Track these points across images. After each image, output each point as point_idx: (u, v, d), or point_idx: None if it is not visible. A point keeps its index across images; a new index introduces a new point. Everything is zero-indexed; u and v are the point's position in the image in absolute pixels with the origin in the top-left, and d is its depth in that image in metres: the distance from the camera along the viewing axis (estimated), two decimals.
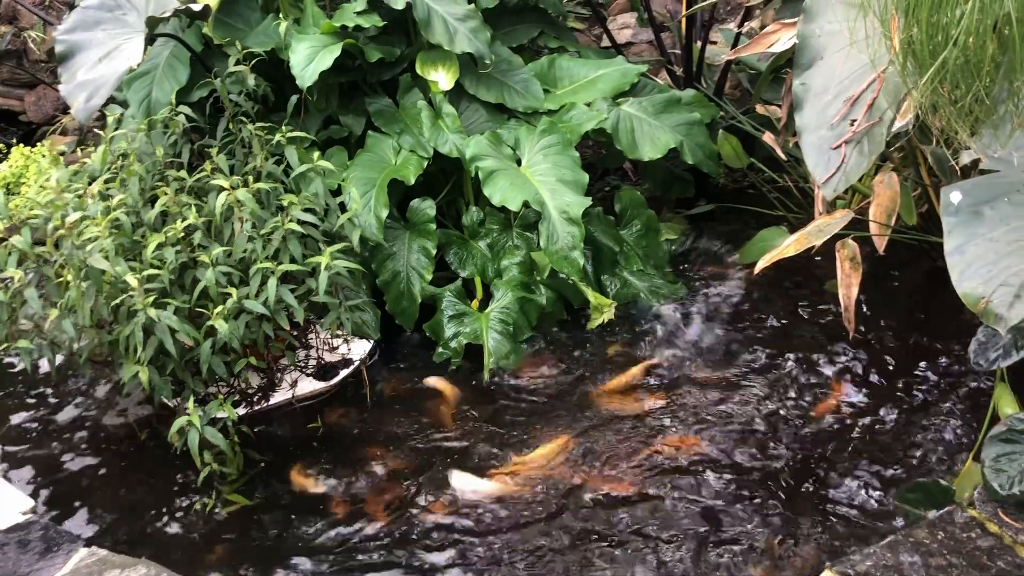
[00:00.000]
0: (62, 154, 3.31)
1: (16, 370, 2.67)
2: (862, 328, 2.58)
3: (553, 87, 3.01)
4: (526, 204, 2.62)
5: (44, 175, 2.54)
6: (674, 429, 2.31)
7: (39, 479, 2.28)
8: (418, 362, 2.62)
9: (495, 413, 2.42)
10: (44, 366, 2.57)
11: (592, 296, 2.73)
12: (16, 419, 2.49)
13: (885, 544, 1.80)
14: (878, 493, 2.08)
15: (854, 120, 1.80)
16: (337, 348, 2.58)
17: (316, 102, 2.79)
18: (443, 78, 2.80)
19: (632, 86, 2.98)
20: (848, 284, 2.27)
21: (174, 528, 2.12)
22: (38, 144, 3.56)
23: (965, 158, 1.67)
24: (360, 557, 2.01)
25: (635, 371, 2.51)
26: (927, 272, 2.81)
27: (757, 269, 2.36)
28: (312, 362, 2.54)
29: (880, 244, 2.32)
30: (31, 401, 2.56)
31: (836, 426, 2.29)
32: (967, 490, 1.93)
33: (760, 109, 3.03)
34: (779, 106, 2.90)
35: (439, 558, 1.99)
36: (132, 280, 2.03)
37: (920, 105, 1.50)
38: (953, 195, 1.57)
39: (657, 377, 2.51)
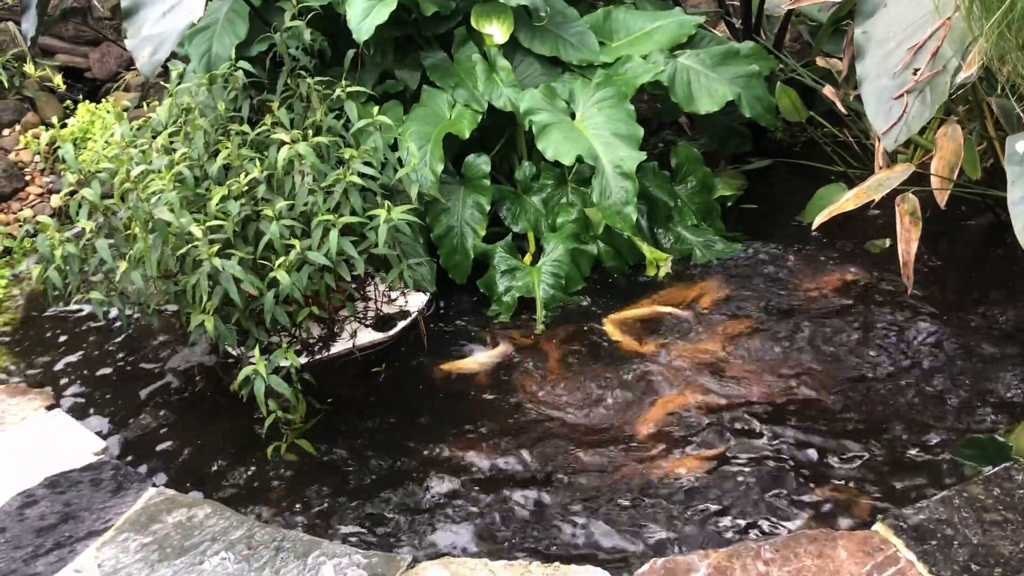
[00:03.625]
0: (126, 110, 3.39)
1: (81, 316, 2.77)
2: (921, 283, 2.55)
3: (608, 40, 2.98)
4: (580, 159, 2.62)
5: (109, 130, 2.61)
6: (731, 375, 2.32)
7: (108, 423, 2.38)
8: (471, 315, 2.66)
9: None
10: (113, 314, 2.69)
11: (648, 250, 2.73)
12: (86, 367, 2.59)
13: (938, 499, 1.80)
14: (933, 448, 2.07)
15: (917, 69, 1.76)
16: (395, 300, 2.63)
17: (372, 56, 2.81)
18: (498, 31, 2.80)
19: (689, 38, 2.94)
20: (907, 239, 2.24)
21: (238, 472, 2.20)
22: (103, 100, 3.65)
23: None
24: (429, 498, 2.08)
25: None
26: (989, 227, 2.75)
27: (815, 225, 2.34)
28: (371, 313, 2.59)
29: (941, 199, 2.28)
30: (100, 349, 2.66)
31: (891, 381, 2.27)
32: None
33: (820, 61, 2.97)
34: (840, 58, 2.85)
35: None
36: (196, 231, 2.09)
37: (987, 53, 1.46)
38: (1019, 144, 1.54)
39: (713, 325, 2.51)
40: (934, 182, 2.24)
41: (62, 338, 2.72)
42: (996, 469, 1.85)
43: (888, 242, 2.72)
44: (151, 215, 2.15)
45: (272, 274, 2.13)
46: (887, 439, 2.11)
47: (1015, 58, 1.41)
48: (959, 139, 2.21)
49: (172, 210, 2.14)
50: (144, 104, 2.84)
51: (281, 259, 2.14)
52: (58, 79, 3.85)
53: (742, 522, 1.94)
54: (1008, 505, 1.75)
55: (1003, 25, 1.35)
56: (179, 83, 2.55)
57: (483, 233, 2.69)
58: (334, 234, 2.18)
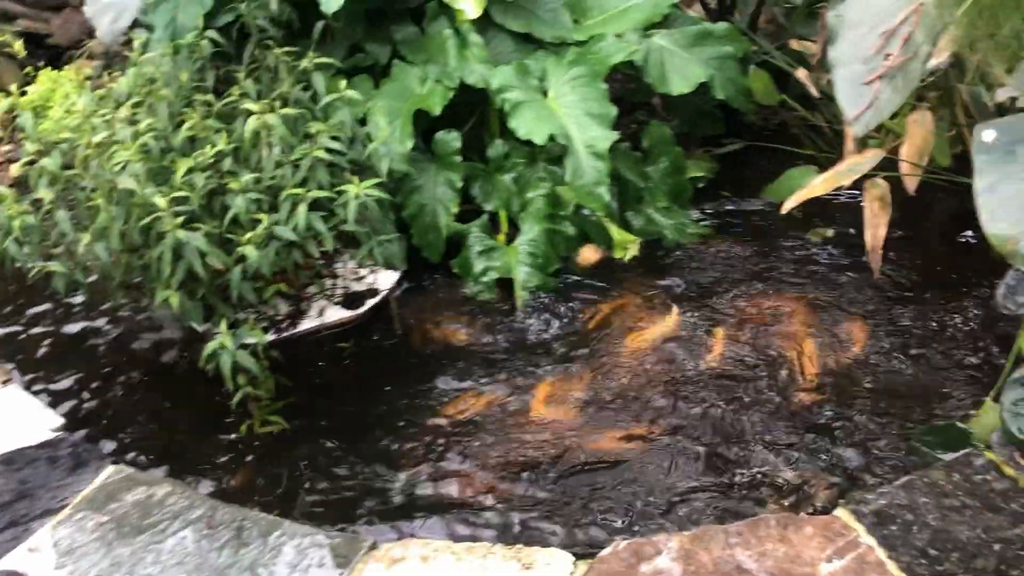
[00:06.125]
0: (88, 78, 3.31)
1: (39, 285, 2.71)
2: (887, 269, 2.56)
3: (582, 17, 2.95)
4: (552, 137, 2.60)
5: (70, 99, 2.55)
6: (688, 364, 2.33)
7: (68, 400, 2.33)
8: (443, 294, 2.64)
9: None
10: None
11: (616, 232, 2.72)
12: (46, 341, 2.54)
13: (899, 484, 1.82)
14: (895, 433, 2.09)
15: (889, 54, 1.76)
16: (364, 278, 2.60)
17: (341, 29, 2.76)
18: (470, 6, 2.76)
19: (664, 17, 2.92)
20: (875, 225, 2.25)
21: (201, 451, 2.17)
22: (64, 67, 3.56)
23: (1001, 95, 1.63)
24: (389, 479, 2.06)
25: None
26: (958, 214, 2.76)
27: (785, 208, 2.34)
28: (339, 291, 2.56)
29: (911, 185, 2.29)
30: (61, 323, 2.60)
31: (855, 366, 2.29)
32: (985, 433, 1.93)
33: (794, 44, 2.96)
34: (814, 41, 2.84)
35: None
36: (160, 201, 2.04)
37: (958, 40, 1.46)
38: (986, 133, 1.54)
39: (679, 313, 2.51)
40: (903, 168, 2.24)
41: (18, 308, 2.66)
42: (957, 455, 1.87)
43: (831, 231, 2.75)
44: (115, 185, 2.10)
45: (240, 249, 2.10)
46: (850, 423, 2.13)
47: (985, 47, 1.41)
48: (929, 125, 2.22)
49: (137, 180, 2.09)
50: (107, 73, 2.78)
51: (248, 234, 2.10)
52: (18, 45, 3.75)
53: (706, 504, 1.95)
54: (967, 491, 1.77)
55: (973, 13, 1.35)
56: (143, 52, 2.49)
57: (455, 211, 2.66)
58: (302, 209, 2.15)
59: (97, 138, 2.16)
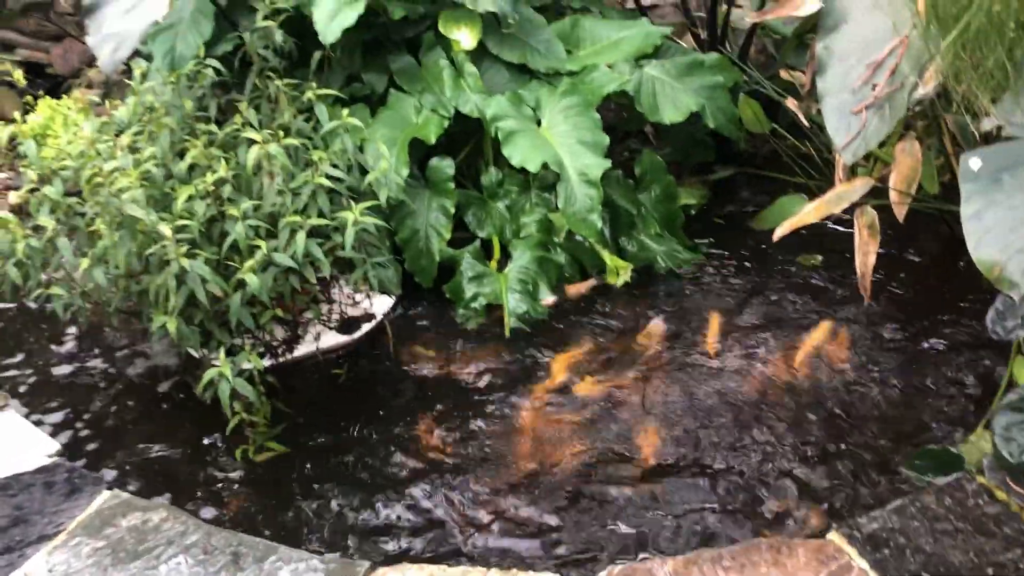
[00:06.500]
0: (93, 105, 3.33)
1: (35, 312, 2.72)
2: (878, 295, 2.59)
3: (575, 48, 3.00)
4: (545, 165, 2.63)
5: (73, 127, 2.57)
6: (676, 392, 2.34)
7: (65, 425, 2.33)
8: (437, 319, 2.66)
9: None
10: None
11: (608, 258, 2.75)
12: (43, 366, 2.54)
13: (892, 508, 1.83)
14: (888, 459, 2.10)
15: (875, 85, 1.79)
16: (359, 303, 2.62)
17: (339, 59, 2.79)
18: (466, 37, 2.80)
19: (655, 48, 2.97)
20: (865, 252, 2.28)
21: (197, 475, 2.17)
22: (64, 96, 3.59)
23: (987, 125, 1.67)
24: (386, 508, 2.07)
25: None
26: (947, 241, 2.80)
27: (776, 236, 2.36)
28: (335, 316, 2.57)
29: (900, 213, 2.32)
30: (58, 349, 2.61)
31: (848, 392, 2.31)
32: (977, 458, 1.95)
33: (784, 74, 3.00)
34: (804, 71, 2.88)
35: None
36: (165, 229, 2.06)
37: (943, 71, 1.49)
38: (972, 161, 1.57)
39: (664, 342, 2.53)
40: (892, 196, 2.27)
41: (14, 334, 2.67)
42: (949, 479, 1.89)
43: (820, 258, 2.78)
44: (120, 211, 2.12)
45: (239, 275, 2.11)
46: (842, 448, 2.14)
47: (970, 77, 1.45)
48: (917, 154, 2.25)
49: (141, 208, 2.11)
50: (106, 102, 2.80)
51: (249, 261, 2.12)
52: (18, 74, 3.78)
53: (699, 529, 1.96)
54: (959, 515, 1.78)
55: (958, 45, 1.39)
56: (143, 82, 2.51)
57: (448, 236, 2.69)
58: (301, 236, 2.16)
59: (109, 166, 2.18)
